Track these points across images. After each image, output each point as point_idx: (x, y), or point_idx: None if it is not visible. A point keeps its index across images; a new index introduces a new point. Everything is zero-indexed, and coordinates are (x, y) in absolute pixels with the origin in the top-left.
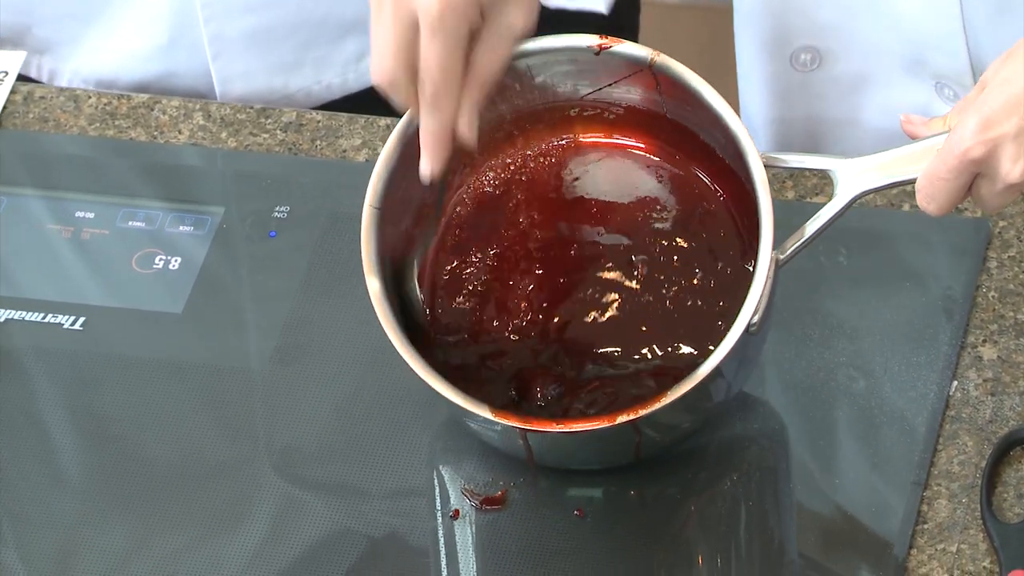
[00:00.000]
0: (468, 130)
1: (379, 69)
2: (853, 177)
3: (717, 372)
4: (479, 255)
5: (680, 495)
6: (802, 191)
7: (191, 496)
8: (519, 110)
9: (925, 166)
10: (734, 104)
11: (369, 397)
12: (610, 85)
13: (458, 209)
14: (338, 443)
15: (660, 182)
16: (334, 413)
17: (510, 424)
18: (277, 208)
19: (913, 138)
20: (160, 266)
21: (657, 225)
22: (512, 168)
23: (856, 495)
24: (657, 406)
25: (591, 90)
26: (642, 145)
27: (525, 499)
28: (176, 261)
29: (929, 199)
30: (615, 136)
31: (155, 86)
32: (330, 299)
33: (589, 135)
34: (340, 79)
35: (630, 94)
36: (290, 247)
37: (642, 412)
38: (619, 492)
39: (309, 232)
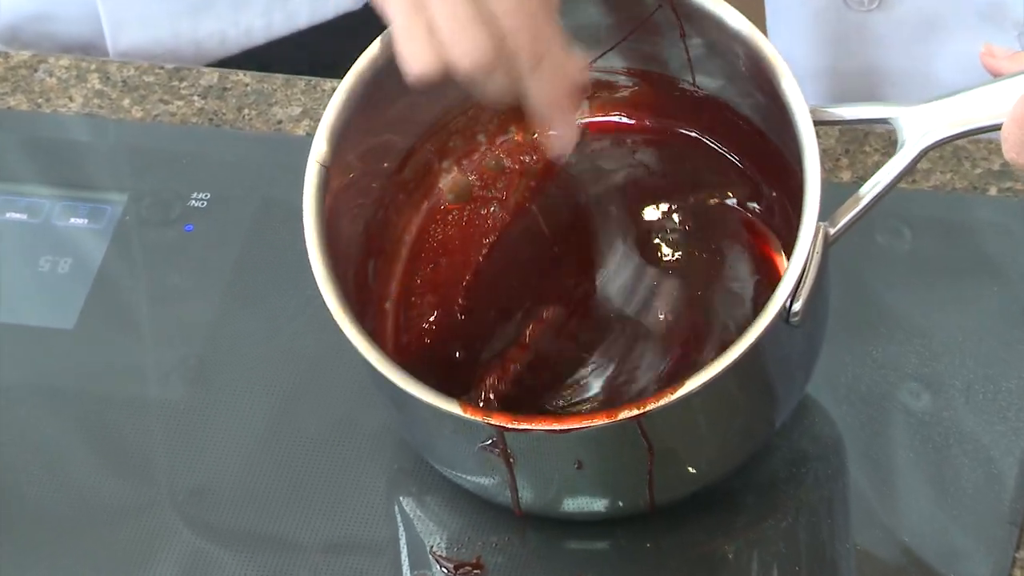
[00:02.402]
0: (582, 71)
1: (465, 51)
2: (922, 127)
3: (746, 367)
4: (467, 257)
5: (709, 546)
6: (861, 170)
7: (81, 548)
8: None
9: (1012, 108)
10: None
11: (307, 428)
12: (624, 40)
13: (441, 204)
14: (265, 485)
15: (679, 166)
16: (259, 447)
17: (482, 422)
18: (195, 195)
19: (994, 74)
20: (46, 269)
21: (677, 217)
22: (508, 158)
23: (931, 555)
24: (670, 399)
25: (600, 51)
26: (649, 123)
27: (510, 562)
28: (66, 263)
29: (1019, 149)
30: (621, 114)
31: (30, 30)
32: (259, 308)
33: (596, 115)
34: (263, 20)
35: (644, 53)
36: (211, 244)
37: (650, 406)
38: (630, 545)
39: (235, 225)
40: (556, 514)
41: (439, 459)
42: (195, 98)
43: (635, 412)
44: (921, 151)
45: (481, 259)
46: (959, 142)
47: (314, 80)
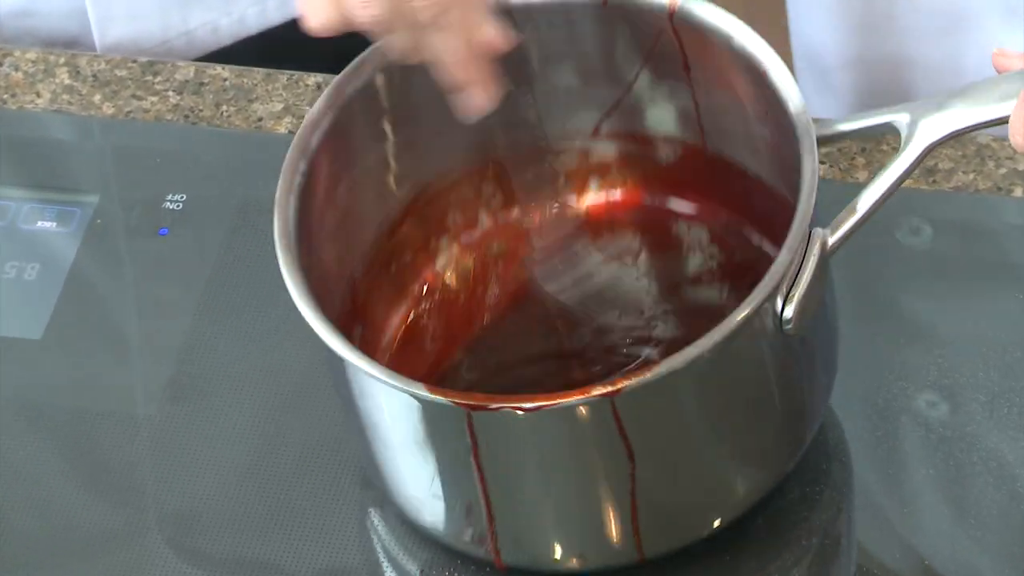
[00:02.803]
0: (496, 31)
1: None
2: (925, 124)
3: (738, 370)
4: (460, 342)
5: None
6: (879, 168)
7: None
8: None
9: (1021, 94)
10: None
11: (290, 446)
12: (627, 92)
13: (435, 284)
14: (250, 509)
15: (684, 246)
16: (245, 468)
17: (449, 402)
18: (170, 196)
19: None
20: (12, 275)
21: (681, 305)
22: (508, 241)
23: None
24: (642, 379)
25: (600, 113)
26: (649, 198)
27: None
28: (33, 269)
29: None
30: (617, 189)
31: (11, 26)
32: (239, 317)
33: (596, 191)
34: (257, 8)
35: (639, 112)
36: (187, 248)
37: (623, 384)
38: None
39: (212, 228)
40: (536, 566)
41: (410, 501)
42: (170, 93)
43: (608, 389)
44: (924, 149)
45: (476, 345)
46: (983, 140)
47: (296, 74)
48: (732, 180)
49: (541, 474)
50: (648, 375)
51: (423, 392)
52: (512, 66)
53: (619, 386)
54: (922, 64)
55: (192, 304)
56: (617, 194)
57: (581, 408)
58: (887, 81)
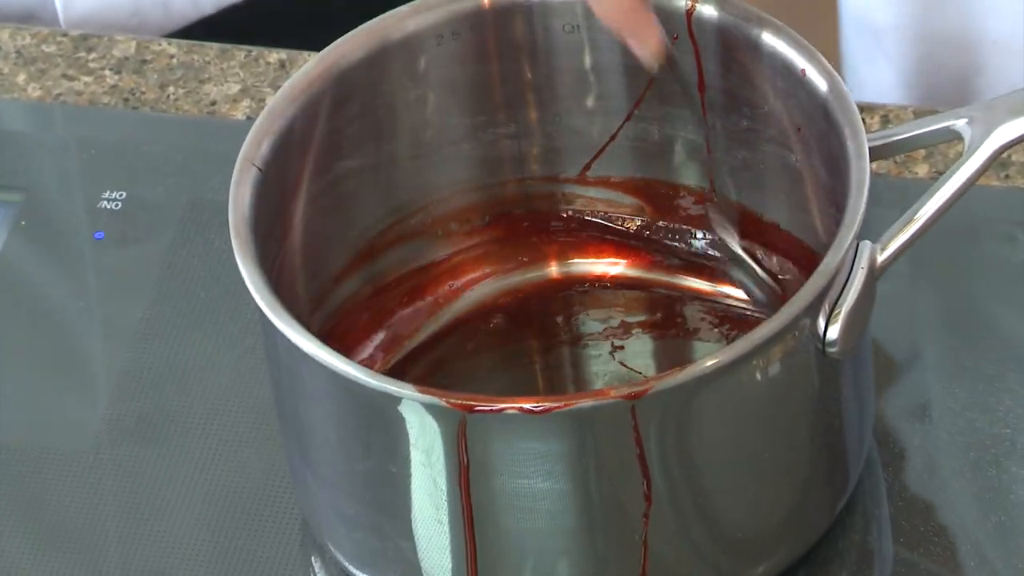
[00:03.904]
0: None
1: None
2: (991, 127)
3: (769, 393)
4: None
5: None
6: (941, 163)
7: None
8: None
9: None
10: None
11: (252, 487)
12: (624, 124)
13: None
14: (208, 566)
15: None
16: (200, 515)
17: (442, 403)
18: (107, 194)
19: None
20: None
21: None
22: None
23: None
24: (663, 383)
25: (591, 151)
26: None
27: None
28: None
29: None
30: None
31: None
32: (189, 335)
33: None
34: None
35: (648, 149)
36: (128, 254)
37: (643, 387)
38: None
39: (157, 230)
40: None
41: (359, 544)
42: (107, 72)
43: (632, 391)
44: (993, 152)
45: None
46: None
47: (256, 51)
48: (744, 231)
49: (541, 511)
50: (678, 376)
51: (411, 392)
52: (495, 89)
53: (645, 387)
54: (993, 37)
55: (134, 320)
56: (600, 252)
57: (597, 417)
58: (951, 57)
